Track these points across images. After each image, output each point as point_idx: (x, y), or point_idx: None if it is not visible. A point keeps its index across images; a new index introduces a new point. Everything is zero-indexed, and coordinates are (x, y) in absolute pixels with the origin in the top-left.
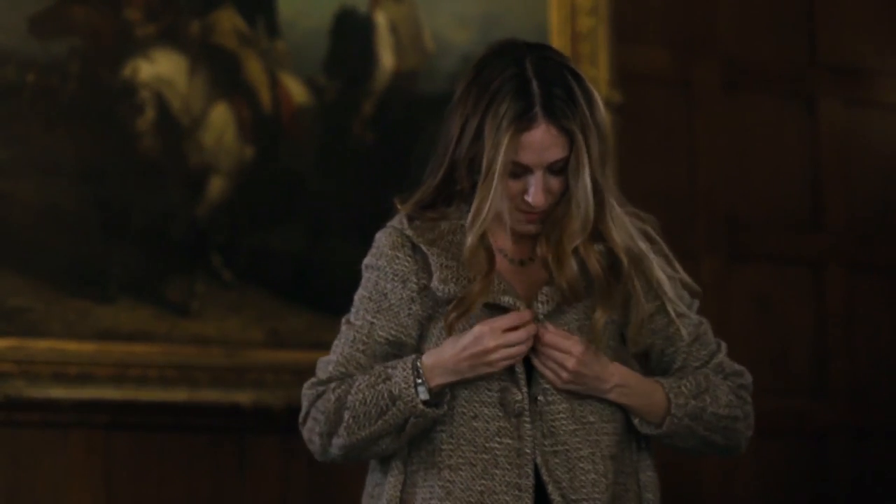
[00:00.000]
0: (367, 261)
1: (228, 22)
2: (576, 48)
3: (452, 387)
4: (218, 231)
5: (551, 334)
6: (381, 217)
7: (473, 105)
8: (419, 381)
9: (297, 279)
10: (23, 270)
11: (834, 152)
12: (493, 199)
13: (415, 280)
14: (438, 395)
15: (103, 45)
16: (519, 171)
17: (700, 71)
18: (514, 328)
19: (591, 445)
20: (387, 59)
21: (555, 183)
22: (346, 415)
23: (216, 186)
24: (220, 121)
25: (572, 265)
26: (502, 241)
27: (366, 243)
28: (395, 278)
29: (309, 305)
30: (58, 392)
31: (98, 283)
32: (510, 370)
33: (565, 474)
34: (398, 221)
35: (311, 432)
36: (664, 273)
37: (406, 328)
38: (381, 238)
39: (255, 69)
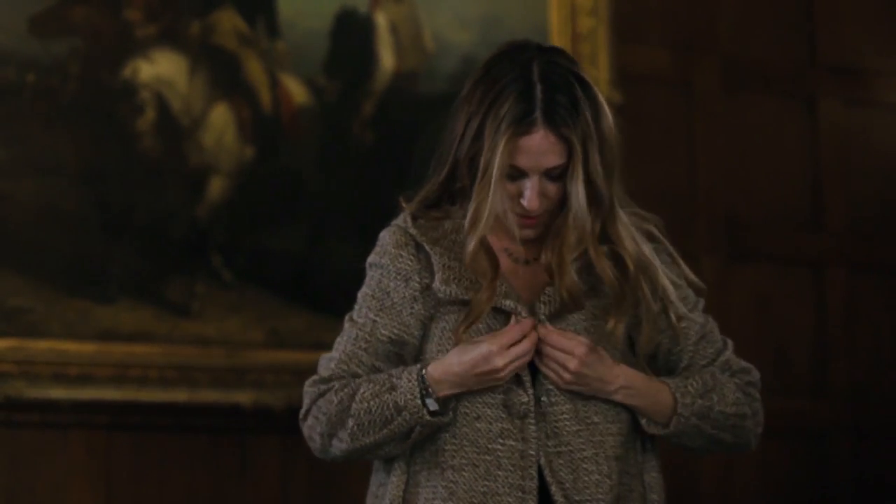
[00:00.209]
0: (370, 259)
1: (228, 22)
2: (576, 49)
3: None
4: (218, 231)
5: (554, 335)
6: (381, 217)
7: (477, 104)
8: (426, 392)
9: (297, 279)
10: (23, 271)
11: (834, 152)
12: (490, 202)
13: (417, 279)
14: (444, 404)
15: (103, 45)
16: (516, 174)
17: (700, 71)
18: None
19: (595, 446)
20: (387, 59)
21: (551, 188)
22: (351, 422)
23: (216, 187)
24: (221, 121)
25: (572, 275)
26: (507, 241)
27: (366, 243)
28: (398, 277)
29: (309, 306)
30: (58, 393)
31: (98, 284)
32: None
33: (569, 475)
34: (402, 220)
35: (311, 430)
36: (669, 276)
37: (408, 327)
38: (385, 237)
39: (255, 69)
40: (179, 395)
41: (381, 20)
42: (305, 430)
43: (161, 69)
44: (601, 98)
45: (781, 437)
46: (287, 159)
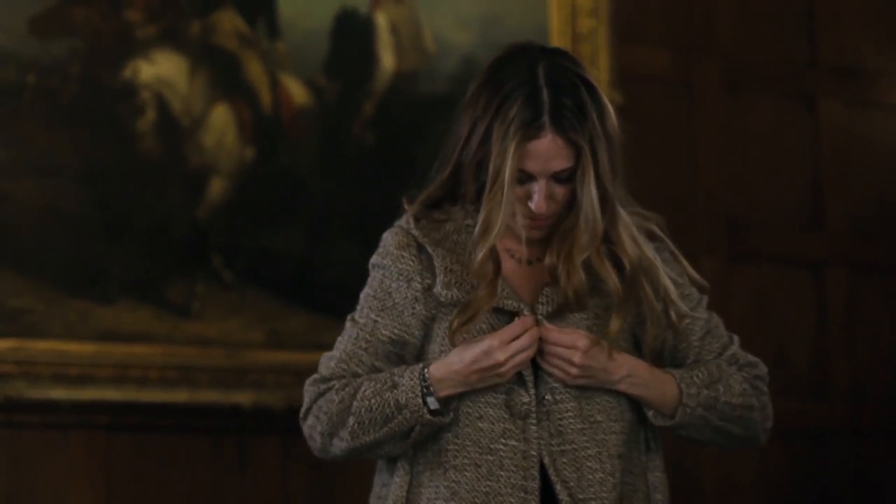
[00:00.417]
0: (373, 259)
1: (229, 23)
2: (576, 49)
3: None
4: (218, 232)
5: (554, 332)
6: (381, 217)
7: (483, 108)
8: (427, 391)
9: (297, 280)
10: (23, 271)
11: (834, 153)
12: (503, 209)
13: (419, 280)
14: (445, 404)
15: (104, 45)
16: (524, 177)
17: (700, 71)
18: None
19: (599, 444)
20: (387, 59)
21: (560, 191)
22: (352, 420)
23: (216, 187)
24: (221, 122)
25: (581, 277)
26: (511, 241)
27: (366, 244)
28: (400, 277)
29: (309, 306)
30: (58, 393)
31: (98, 284)
32: (517, 373)
33: (573, 473)
34: (405, 221)
35: (311, 429)
36: (670, 275)
37: (409, 327)
38: (388, 237)
39: (255, 70)
40: (180, 396)
41: (382, 21)
42: (306, 430)
43: (161, 70)
44: (606, 100)
45: (781, 437)
46: (287, 160)
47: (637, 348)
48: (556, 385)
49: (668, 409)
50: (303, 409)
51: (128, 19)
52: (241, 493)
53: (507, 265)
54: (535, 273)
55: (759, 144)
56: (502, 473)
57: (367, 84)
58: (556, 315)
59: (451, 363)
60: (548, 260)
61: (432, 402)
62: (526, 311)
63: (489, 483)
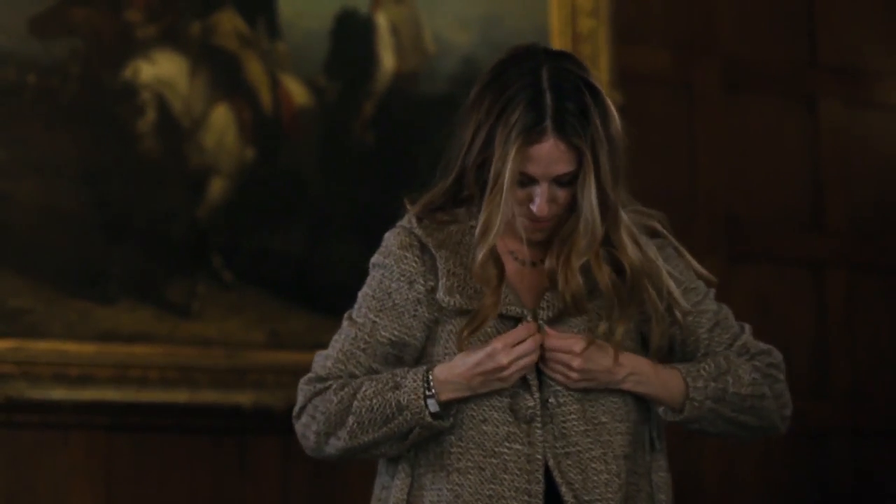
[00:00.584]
0: (374, 259)
1: (229, 23)
2: (576, 49)
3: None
4: (218, 232)
5: (552, 338)
6: (381, 218)
7: (486, 111)
8: (429, 393)
9: (297, 280)
10: (23, 271)
11: (834, 153)
12: (502, 211)
13: (422, 282)
14: (446, 408)
15: (104, 46)
16: (525, 180)
17: (700, 71)
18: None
19: (603, 446)
20: (387, 60)
21: (561, 194)
22: (351, 419)
23: (217, 187)
24: (221, 122)
25: (578, 281)
26: (513, 243)
27: (367, 244)
28: (402, 278)
29: (309, 306)
30: (58, 393)
31: (99, 284)
32: (521, 377)
33: (578, 475)
34: (407, 221)
35: (306, 428)
36: (673, 273)
37: (410, 329)
38: (390, 237)
39: (255, 70)
40: (180, 396)
41: (382, 21)
42: (299, 428)
43: (161, 70)
44: (610, 103)
45: (782, 437)
46: (287, 160)
47: (644, 347)
48: (560, 388)
49: (677, 405)
50: (296, 408)
51: (128, 19)
52: (241, 494)
53: (511, 267)
54: (538, 275)
55: (759, 144)
56: (506, 477)
57: (368, 84)
58: (558, 319)
59: (454, 366)
60: (547, 264)
61: (433, 405)
62: (529, 317)
63: (493, 486)
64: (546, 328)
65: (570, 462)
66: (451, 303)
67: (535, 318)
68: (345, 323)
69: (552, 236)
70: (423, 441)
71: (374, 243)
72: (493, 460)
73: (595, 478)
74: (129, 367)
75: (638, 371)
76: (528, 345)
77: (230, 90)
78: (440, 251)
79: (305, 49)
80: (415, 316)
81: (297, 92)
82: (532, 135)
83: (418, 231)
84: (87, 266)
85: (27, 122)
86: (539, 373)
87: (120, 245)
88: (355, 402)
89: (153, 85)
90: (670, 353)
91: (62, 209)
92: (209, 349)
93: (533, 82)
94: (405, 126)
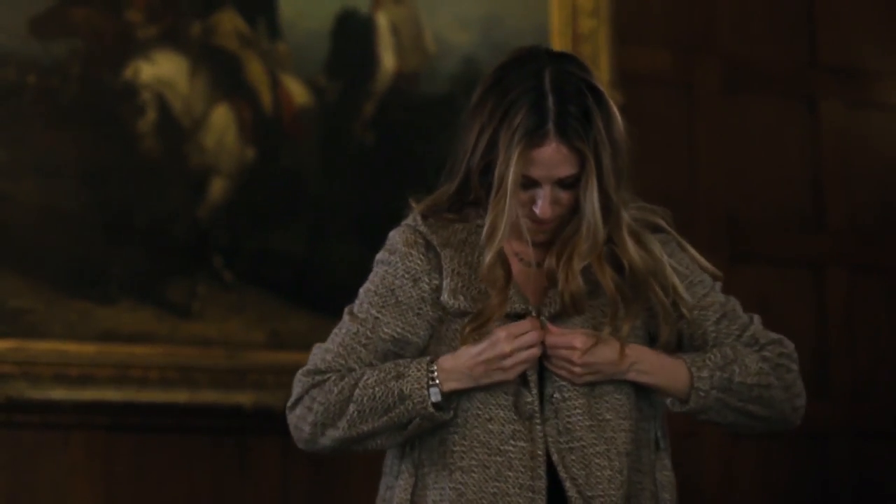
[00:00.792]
0: (379, 256)
1: (229, 23)
2: (577, 49)
3: (468, 390)
4: (219, 232)
5: (553, 335)
6: (381, 217)
7: (489, 115)
8: (432, 383)
9: (298, 280)
10: (24, 272)
11: (835, 153)
12: (507, 215)
13: (426, 280)
14: (447, 400)
15: (104, 46)
16: (528, 182)
17: (701, 72)
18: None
19: (607, 442)
20: (388, 60)
21: (564, 196)
22: (352, 408)
23: (217, 188)
24: (221, 122)
25: (578, 282)
26: (518, 245)
27: (366, 244)
28: (407, 275)
29: (310, 307)
30: (59, 393)
31: (99, 285)
32: (522, 374)
33: (581, 471)
34: (412, 219)
35: (301, 420)
36: (677, 268)
37: (414, 327)
38: (395, 235)
39: (256, 70)
40: (180, 396)
41: (382, 21)
42: (293, 420)
43: (162, 70)
44: (613, 105)
45: (782, 437)
46: (288, 160)
47: (651, 343)
48: (564, 383)
49: (683, 395)
50: (291, 399)
51: (128, 20)
52: (242, 494)
53: (515, 269)
54: (542, 276)
55: (759, 144)
56: (510, 474)
57: (368, 84)
58: (561, 316)
59: (458, 356)
60: (547, 263)
61: (435, 395)
62: (534, 313)
63: (497, 484)
64: (548, 325)
65: (573, 457)
66: (456, 305)
67: (539, 314)
68: (345, 317)
69: (556, 237)
70: (427, 440)
71: (374, 243)
72: (498, 458)
73: (598, 473)
74: (129, 368)
75: (641, 360)
76: (530, 336)
77: (230, 90)
78: (445, 250)
79: (306, 49)
80: (419, 314)
81: (298, 92)
82: (534, 138)
83: (423, 229)
84: (88, 266)
85: (27, 122)
86: (542, 369)
87: (120, 245)
88: (357, 391)
89: (153, 85)
90: (678, 347)
91: (62, 209)
92: (209, 349)
93: (535, 85)
94: (405, 126)
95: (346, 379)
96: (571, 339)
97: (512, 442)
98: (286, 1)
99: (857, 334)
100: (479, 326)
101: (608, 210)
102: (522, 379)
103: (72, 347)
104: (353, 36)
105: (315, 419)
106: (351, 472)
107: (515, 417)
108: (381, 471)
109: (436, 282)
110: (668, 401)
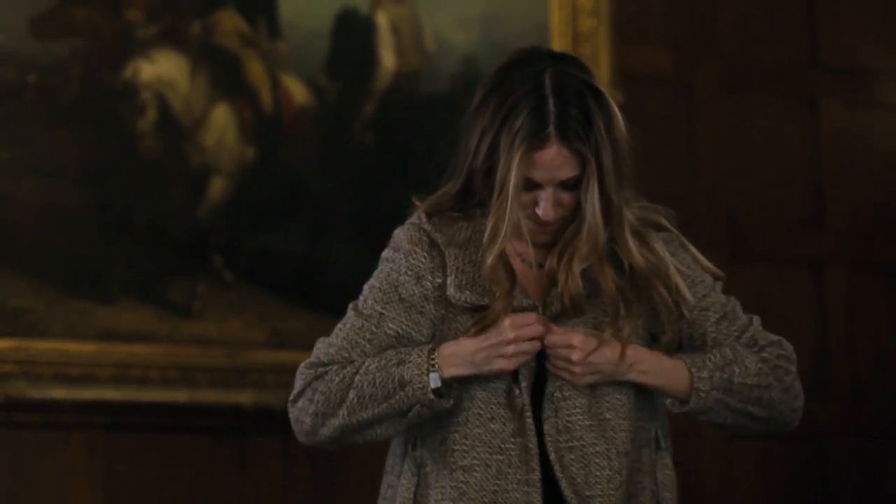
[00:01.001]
0: (384, 253)
1: (229, 23)
2: (577, 49)
3: (469, 388)
4: (219, 232)
5: (552, 335)
6: (382, 218)
7: (491, 117)
8: (432, 369)
9: (298, 280)
10: (24, 271)
11: (835, 152)
12: (508, 218)
13: (430, 278)
14: (448, 388)
15: (104, 45)
16: (530, 185)
17: (701, 71)
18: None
19: (607, 442)
20: (388, 59)
21: (566, 197)
22: (352, 394)
23: (217, 187)
24: (221, 121)
25: (578, 284)
26: (521, 246)
27: (366, 244)
28: (410, 273)
29: (310, 306)
30: (59, 393)
31: (99, 284)
32: (514, 372)
33: (580, 470)
34: (417, 217)
35: (302, 412)
36: (679, 267)
37: (417, 325)
38: (400, 233)
39: (256, 70)
40: (180, 396)
41: (382, 20)
42: (294, 412)
43: (162, 69)
44: (613, 106)
45: (781, 437)
46: (288, 160)
47: (652, 343)
48: (565, 382)
49: (683, 395)
50: (294, 392)
51: (128, 19)
52: (242, 493)
53: (518, 269)
54: (543, 277)
55: (759, 144)
56: (510, 471)
57: (368, 84)
58: (562, 317)
59: (460, 343)
60: (548, 265)
61: (434, 380)
62: (539, 309)
63: (498, 482)
64: (550, 324)
65: (573, 456)
66: (462, 298)
67: (544, 313)
68: (350, 312)
69: (558, 239)
70: (429, 440)
71: (374, 242)
72: (499, 457)
73: (598, 473)
74: (129, 367)
75: (640, 360)
76: (534, 329)
77: (231, 90)
78: (449, 248)
79: (306, 49)
80: (422, 312)
81: (298, 91)
82: (535, 141)
83: (428, 227)
84: (88, 266)
85: (28, 122)
86: (544, 368)
87: (120, 245)
88: (357, 377)
89: (153, 84)
90: (678, 348)
91: (63, 209)
92: (210, 349)
93: (536, 88)
94: (405, 125)
95: (348, 368)
96: (570, 339)
97: (513, 440)
98: (286, 0)
99: (857, 334)
100: (483, 329)
101: (609, 211)
102: (514, 374)
103: (72, 347)
104: (353, 35)
105: (316, 409)
106: (351, 471)
107: (515, 415)
108: (381, 470)
109: (439, 280)
110: (668, 401)
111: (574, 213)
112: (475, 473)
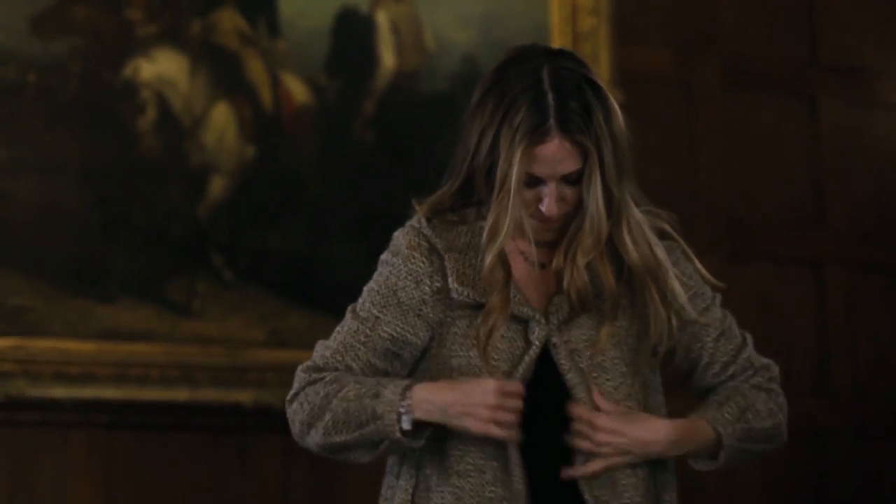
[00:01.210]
0: (383, 256)
1: (229, 21)
2: (577, 48)
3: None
4: (219, 231)
5: (576, 407)
6: (382, 217)
7: (490, 115)
8: (402, 409)
9: (298, 279)
10: (24, 270)
11: (835, 152)
12: (510, 214)
13: (428, 283)
14: (419, 428)
15: (104, 44)
16: (533, 181)
17: (701, 71)
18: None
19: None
20: (388, 58)
21: (569, 192)
22: (328, 416)
23: (217, 186)
24: (221, 120)
25: (583, 276)
26: (524, 244)
27: (367, 243)
28: (409, 277)
29: (310, 305)
30: (59, 392)
31: (99, 283)
32: (505, 455)
33: (607, 489)
34: (416, 221)
35: (294, 414)
36: (680, 277)
37: (414, 328)
38: (399, 236)
39: (256, 69)
40: (180, 395)
41: (382, 19)
42: (289, 413)
43: (162, 68)
44: (612, 100)
45: None
46: (288, 159)
47: (643, 354)
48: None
49: (708, 452)
50: (291, 393)
51: (128, 18)
52: (242, 492)
53: (520, 269)
54: (546, 277)
55: (759, 144)
56: (506, 478)
57: (368, 83)
58: (567, 322)
59: (438, 388)
60: (555, 263)
61: (406, 422)
62: (540, 318)
63: (494, 489)
64: (571, 408)
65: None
66: (464, 293)
67: (547, 320)
68: (348, 315)
69: (560, 237)
70: (428, 443)
71: (374, 242)
72: (495, 463)
73: (624, 481)
74: (129, 366)
75: (677, 438)
76: (517, 402)
77: (230, 88)
78: (448, 253)
79: (306, 47)
80: (419, 315)
81: (298, 90)
82: (537, 135)
83: (427, 231)
84: (88, 264)
85: (27, 120)
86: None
87: (120, 243)
88: (334, 401)
89: (153, 83)
90: (672, 355)
91: (63, 208)
92: (210, 347)
93: (534, 83)
94: (406, 124)
95: (335, 383)
96: (593, 417)
97: (504, 447)
98: None
99: (857, 334)
100: (490, 330)
101: (611, 204)
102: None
103: (72, 346)
104: (353, 34)
105: (303, 418)
106: (351, 470)
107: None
108: (381, 470)
109: (437, 284)
110: (690, 460)
111: (576, 210)
112: (470, 479)
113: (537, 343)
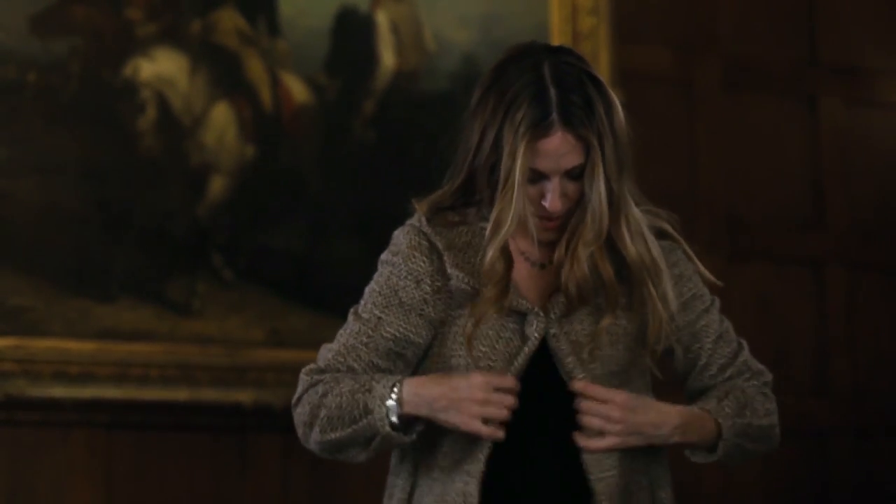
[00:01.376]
0: (383, 256)
1: (229, 21)
2: (577, 47)
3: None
4: (219, 230)
5: (592, 386)
6: (382, 216)
7: (491, 113)
8: (390, 402)
9: (297, 278)
10: (24, 270)
11: (835, 152)
12: (514, 209)
13: (429, 282)
14: (408, 424)
15: (104, 44)
16: (536, 176)
17: (701, 70)
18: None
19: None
20: (387, 58)
21: (572, 188)
22: (323, 412)
23: (217, 186)
24: (221, 120)
25: (583, 268)
26: (525, 244)
27: (367, 243)
28: (409, 277)
29: (310, 305)
30: (59, 391)
31: (99, 283)
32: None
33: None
34: (417, 220)
35: (298, 417)
36: (680, 280)
37: (416, 328)
38: (399, 236)
39: (256, 68)
40: (180, 394)
41: (382, 19)
42: (295, 417)
43: (162, 68)
44: (613, 95)
45: (782, 436)
46: (288, 158)
47: (642, 351)
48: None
49: (707, 444)
50: (295, 397)
51: (128, 17)
52: (242, 492)
53: (522, 268)
54: (547, 277)
55: (759, 143)
56: (466, 471)
57: (368, 82)
58: (566, 316)
59: (427, 382)
60: (556, 256)
61: (393, 415)
62: (538, 312)
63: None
64: (579, 384)
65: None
66: (464, 279)
67: (546, 315)
68: (350, 317)
69: (561, 237)
70: (423, 443)
71: (374, 242)
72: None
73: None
74: (129, 366)
75: (686, 423)
76: (507, 398)
77: (230, 88)
78: (449, 252)
79: (306, 47)
80: (421, 315)
81: (298, 90)
82: (539, 130)
83: (427, 230)
84: (88, 264)
85: (28, 120)
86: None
87: (120, 243)
88: (329, 397)
89: (153, 83)
90: (670, 354)
91: (63, 207)
92: (209, 347)
93: (535, 79)
94: (405, 124)
95: (331, 383)
96: (613, 395)
97: (488, 447)
98: None
99: (856, 333)
100: (476, 322)
101: (612, 199)
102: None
103: (72, 345)
104: (352, 34)
105: (305, 419)
106: (351, 470)
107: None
108: (381, 469)
109: (438, 283)
110: (687, 451)
111: (577, 206)
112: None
113: (536, 336)
